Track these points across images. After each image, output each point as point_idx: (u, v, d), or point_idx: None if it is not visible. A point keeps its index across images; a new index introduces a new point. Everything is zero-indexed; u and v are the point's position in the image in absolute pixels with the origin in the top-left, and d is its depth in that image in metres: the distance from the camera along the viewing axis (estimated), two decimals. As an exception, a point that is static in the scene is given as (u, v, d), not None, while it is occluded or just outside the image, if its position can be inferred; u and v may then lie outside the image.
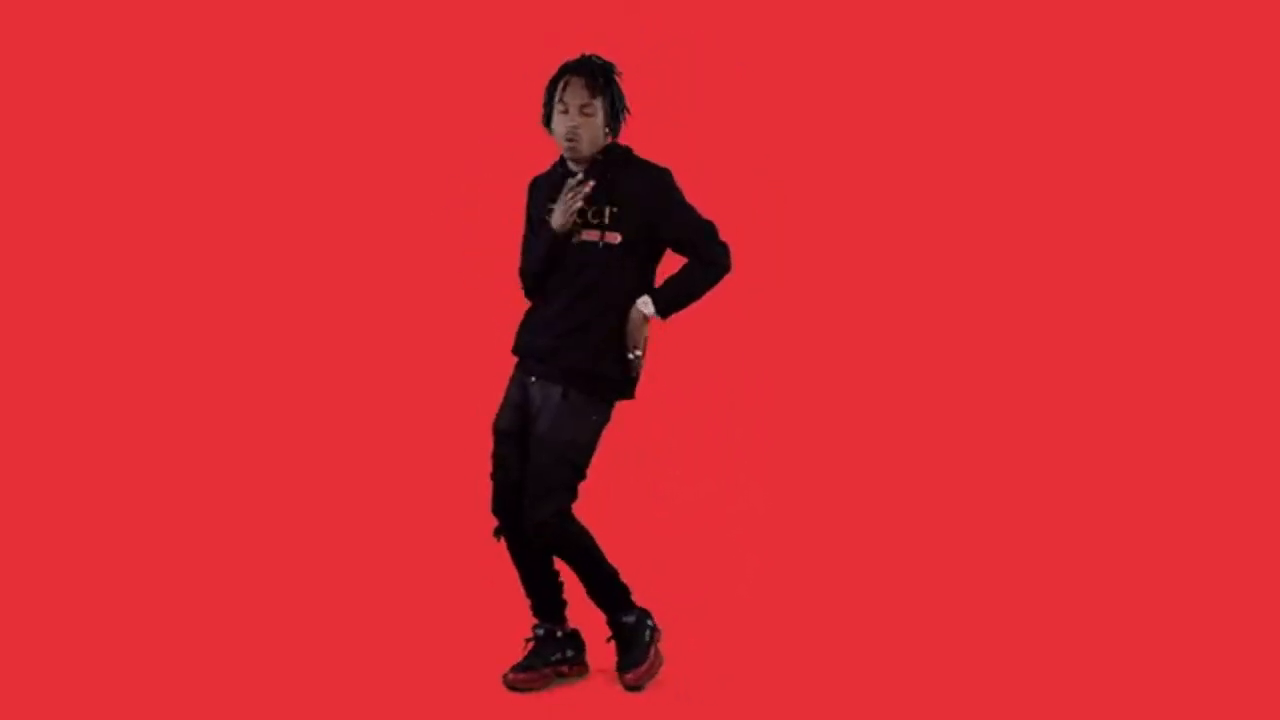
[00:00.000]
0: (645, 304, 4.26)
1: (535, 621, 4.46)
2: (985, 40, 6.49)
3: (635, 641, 4.38)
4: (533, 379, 4.31)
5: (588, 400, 4.27)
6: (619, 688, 4.35)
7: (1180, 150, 6.46)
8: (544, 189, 4.37)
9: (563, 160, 4.35)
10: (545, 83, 4.29)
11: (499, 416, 4.37)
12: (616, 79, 4.28)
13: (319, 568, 5.49)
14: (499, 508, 4.37)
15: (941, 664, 4.56)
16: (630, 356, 4.27)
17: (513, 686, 4.33)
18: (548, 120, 4.27)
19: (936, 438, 6.39)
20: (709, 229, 4.31)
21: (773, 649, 4.70)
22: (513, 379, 4.38)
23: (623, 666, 4.38)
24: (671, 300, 4.29)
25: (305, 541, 5.76)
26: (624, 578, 4.43)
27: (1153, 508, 6.04)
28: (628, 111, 4.31)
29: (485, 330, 6.13)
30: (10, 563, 5.40)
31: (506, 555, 4.43)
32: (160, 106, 6.43)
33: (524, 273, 4.39)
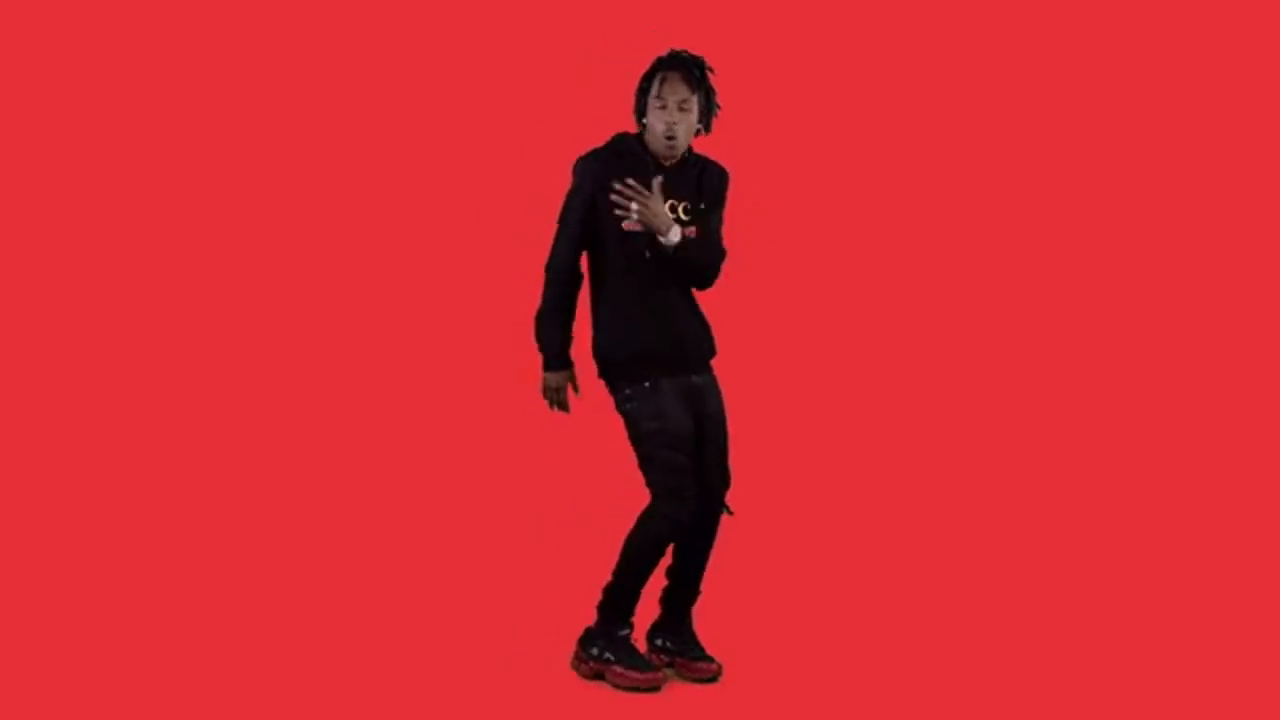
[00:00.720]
0: (676, 231, 4.21)
1: (620, 627, 4.37)
2: (983, 37, 6.49)
3: (693, 635, 4.45)
4: (693, 376, 4.33)
5: None
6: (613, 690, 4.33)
7: (1180, 149, 6.45)
8: (616, 171, 4.22)
9: (622, 142, 4.29)
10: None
11: (677, 423, 4.25)
12: (709, 75, 4.29)
13: (322, 568, 5.45)
14: (693, 510, 4.30)
15: (940, 664, 4.52)
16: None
17: (653, 687, 4.32)
18: (641, 115, 4.26)
19: (933, 437, 6.37)
20: (721, 247, 4.35)
21: (770, 649, 4.66)
22: (663, 384, 4.26)
23: (700, 656, 4.40)
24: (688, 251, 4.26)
25: (307, 542, 5.73)
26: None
27: (1151, 507, 6.02)
28: (718, 107, 4.32)
29: (483, 331, 6.18)
30: (13, 563, 5.37)
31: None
32: (162, 108, 6.41)
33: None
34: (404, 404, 6.38)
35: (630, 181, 4.19)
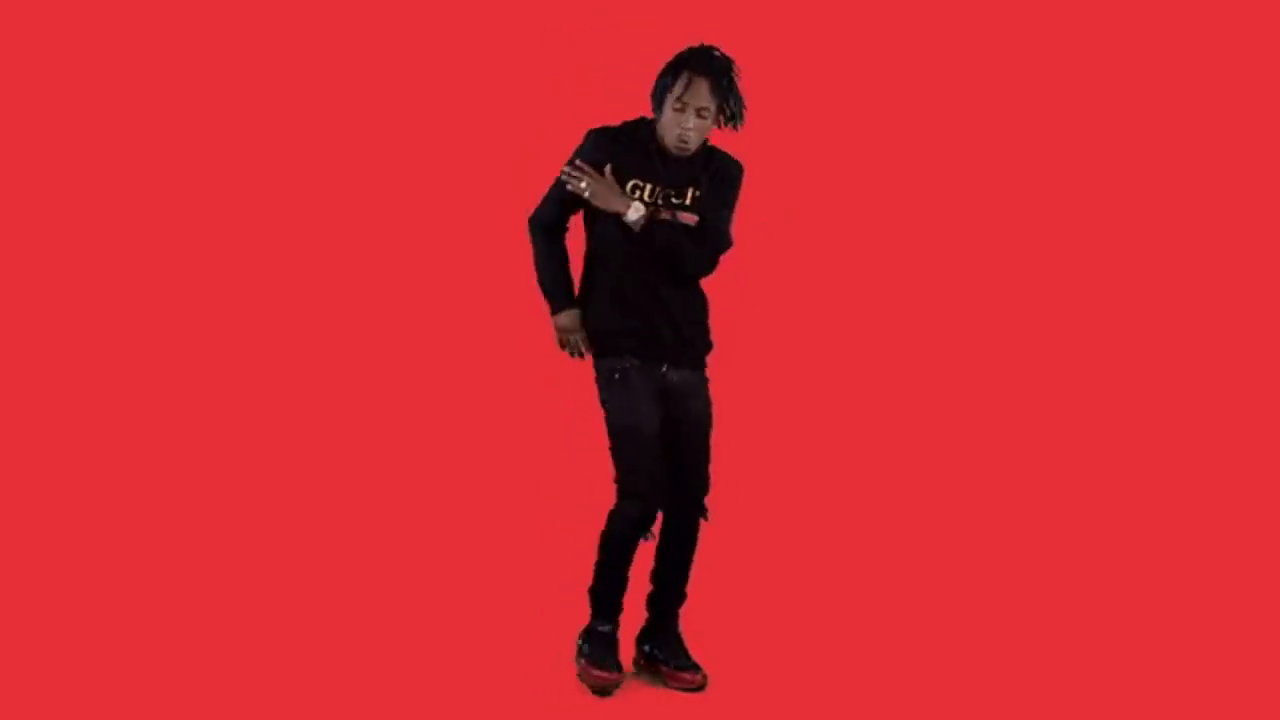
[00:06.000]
0: (637, 209, 4.16)
1: (600, 623, 4.38)
2: (983, 37, 6.49)
3: (680, 643, 4.43)
4: (665, 368, 4.26)
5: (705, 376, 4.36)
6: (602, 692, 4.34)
7: (1180, 150, 6.46)
8: (622, 151, 4.18)
9: (638, 128, 4.22)
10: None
11: (643, 417, 4.20)
12: (737, 78, 4.17)
13: (322, 568, 5.45)
14: (653, 511, 4.26)
15: (933, 670, 4.54)
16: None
17: (606, 688, 4.30)
18: (658, 107, 4.15)
19: (926, 442, 6.39)
20: (722, 236, 4.23)
21: (759, 660, 4.67)
22: (628, 373, 4.22)
23: (685, 666, 4.39)
24: (661, 234, 4.16)
25: (304, 538, 5.73)
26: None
27: (1146, 507, 6.04)
28: (745, 108, 4.21)
29: (483, 330, 6.19)
30: (11, 563, 5.36)
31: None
32: (162, 107, 6.41)
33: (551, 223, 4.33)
34: (405, 402, 6.39)
35: (579, 162, 4.17)
